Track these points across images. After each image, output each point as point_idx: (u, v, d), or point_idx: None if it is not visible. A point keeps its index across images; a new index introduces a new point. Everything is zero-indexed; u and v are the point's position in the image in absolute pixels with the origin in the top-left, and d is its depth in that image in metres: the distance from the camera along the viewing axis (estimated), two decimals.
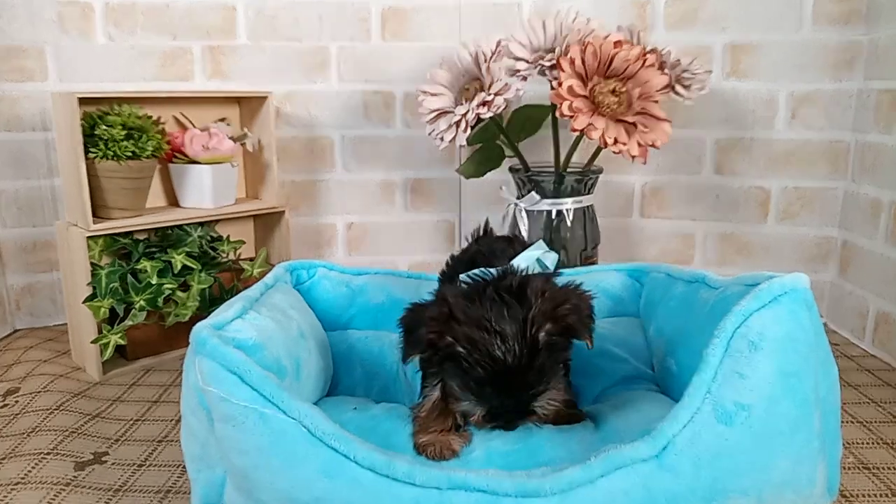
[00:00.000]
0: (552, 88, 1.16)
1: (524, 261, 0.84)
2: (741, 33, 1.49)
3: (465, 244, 1.03)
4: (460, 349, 0.71)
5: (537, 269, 0.85)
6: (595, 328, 0.76)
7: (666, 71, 1.24)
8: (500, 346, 0.69)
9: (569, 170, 1.36)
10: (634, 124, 1.16)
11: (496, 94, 1.18)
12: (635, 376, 0.96)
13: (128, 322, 1.27)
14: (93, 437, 1.05)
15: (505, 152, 1.44)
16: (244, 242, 1.50)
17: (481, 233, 1.03)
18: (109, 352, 1.26)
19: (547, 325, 0.71)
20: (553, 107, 1.17)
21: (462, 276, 0.80)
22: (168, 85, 1.56)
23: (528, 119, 1.44)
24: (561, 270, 0.91)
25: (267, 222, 1.54)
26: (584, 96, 1.15)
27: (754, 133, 1.53)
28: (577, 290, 0.78)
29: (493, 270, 0.80)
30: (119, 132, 1.23)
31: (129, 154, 1.24)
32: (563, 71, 1.14)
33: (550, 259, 0.89)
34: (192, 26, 1.54)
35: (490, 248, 0.93)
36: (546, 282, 0.77)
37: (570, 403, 0.84)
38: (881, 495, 0.89)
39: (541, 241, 0.90)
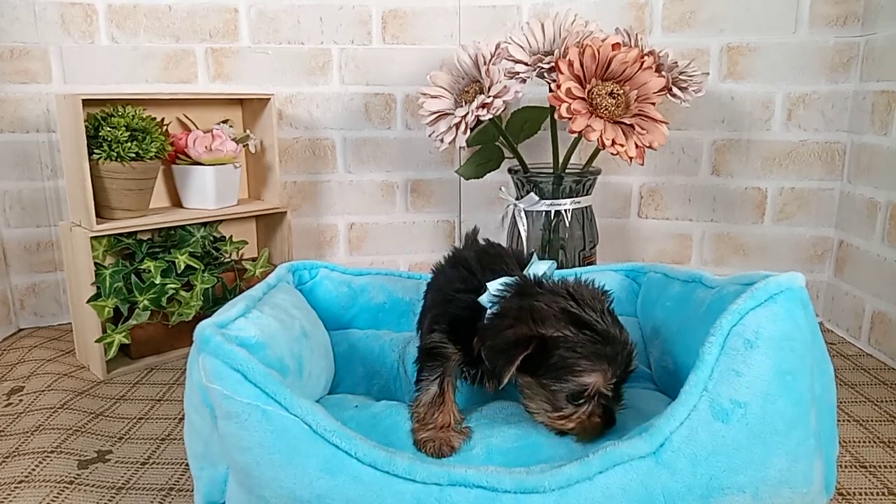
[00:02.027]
0: (551, 90, 1.17)
1: (539, 269, 0.86)
2: (738, 35, 1.50)
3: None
4: (566, 331, 0.74)
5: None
6: None
7: (663, 73, 1.25)
8: (601, 320, 0.75)
9: (567, 171, 1.37)
10: (632, 126, 1.17)
11: (495, 97, 1.19)
12: (633, 374, 0.97)
13: (132, 321, 1.28)
14: (96, 435, 1.06)
15: (504, 154, 1.45)
16: (247, 243, 1.50)
17: (470, 241, 1.03)
18: (113, 351, 1.27)
19: (603, 297, 0.79)
20: (552, 108, 1.17)
21: (492, 287, 0.81)
22: (171, 87, 1.57)
23: (527, 121, 1.45)
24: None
25: (269, 223, 1.55)
26: (583, 98, 1.16)
27: (751, 134, 1.54)
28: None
29: (520, 279, 0.82)
30: (123, 134, 1.24)
31: (133, 155, 1.25)
32: (561, 73, 1.15)
33: (552, 269, 0.90)
34: (194, 28, 1.55)
35: (484, 256, 0.92)
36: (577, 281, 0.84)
37: None
38: (878, 493, 0.90)
39: (535, 254, 0.92)
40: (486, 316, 0.80)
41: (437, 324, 0.85)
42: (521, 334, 0.74)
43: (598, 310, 0.76)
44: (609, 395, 0.75)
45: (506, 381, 0.73)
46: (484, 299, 0.81)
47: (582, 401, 0.75)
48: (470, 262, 0.89)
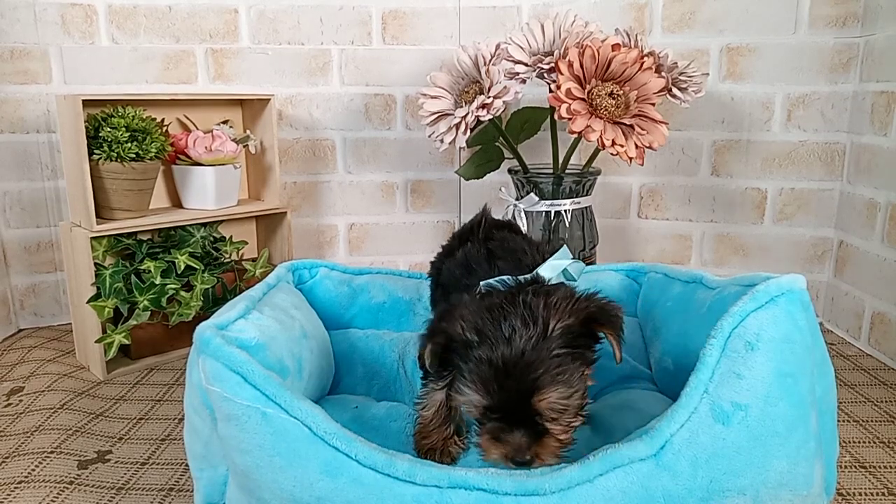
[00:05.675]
0: (550, 91, 1.17)
1: (551, 270, 0.80)
2: (738, 36, 1.50)
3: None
4: (468, 335, 0.67)
5: (562, 280, 0.80)
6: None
7: (663, 74, 1.25)
8: (507, 331, 0.66)
9: (567, 171, 1.37)
10: (632, 126, 1.17)
11: (495, 97, 1.19)
12: (633, 375, 0.97)
13: (132, 322, 1.28)
14: (96, 435, 1.06)
15: (504, 154, 1.45)
16: (247, 243, 1.50)
17: (483, 223, 0.96)
18: (113, 351, 1.27)
19: (565, 316, 0.68)
20: (551, 109, 1.17)
21: (483, 284, 0.76)
22: (171, 87, 1.57)
23: (527, 121, 1.45)
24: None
25: (269, 223, 1.55)
26: (583, 99, 1.16)
27: (751, 135, 1.54)
28: (607, 299, 0.74)
29: (520, 278, 0.77)
30: (123, 134, 1.24)
31: (133, 156, 1.25)
32: (561, 73, 1.15)
33: (576, 269, 0.82)
34: (194, 29, 1.55)
35: (508, 246, 0.87)
36: (573, 290, 0.74)
37: None
38: (878, 494, 0.90)
39: (565, 247, 0.84)
40: None
41: None
42: (432, 328, 0.70)
43: (525, 323, 0.66)
44: (496, 425, 0.67)
45: (427, 367, 0.71)
46: None
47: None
48: (471, 261, 0.85)
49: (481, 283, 0.77)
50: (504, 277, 0.77)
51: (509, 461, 0.66)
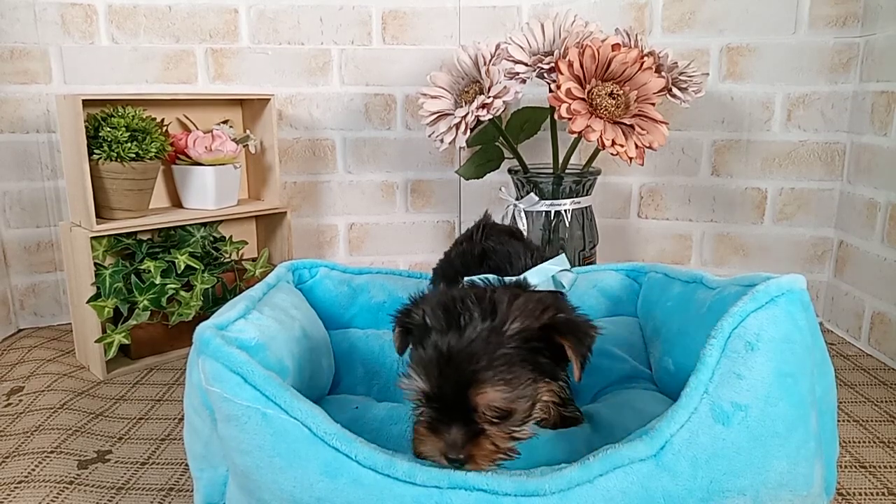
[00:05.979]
0: (550, 91, 1.17)
1: (539, 275, 0.79)
2: (738, 36, 1.50)
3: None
4: (427, 320, 0.68)
5: (551, 287, 0.80)
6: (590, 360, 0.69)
7: (663, 74, 1.25)
8: (462, 320, 0.66)
9: (567, 171, 1.37)
10: (632, 126, 1.17)
11: (495, 97, 1.19)
12: (633, 375, 0.97)
13: (131, 321, 1.28)
14: (96, 435, 1.06)
15: (504, 154, 1.45)
16: (246, 243, 1.50)
17: (483, 227, 0.97)
18: (113, 351, 1.27)
19: (526, 317, 0.67)
20: (551, 109, 1.17)
21: (467, 280, 0.77)
22: (171, 87, 1.57)
23: (527, 121, 1.45)
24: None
25: (269, 223, 1.55)
26: (583, 99, 1.16)
27: (751, 135, 1.54)
28: (585, 317, 0.72)
29: (505, 280, 0.77)
30: (123, 134, 1.24)
31: (133, 156, 1.25)
32: (561, 73, 1.15)
33: (568, 279, 0.81)
34: (194, 29, 1.55)
35: (502, 247, 0.87)
36: (554, 297, 0.73)
37: (567, 401, 0.83)
38: (878, 494, 0.90)
39: (563, 255, 0.84)
40: None
41: None
42: (400, 309, 0.73)
43: (483, 317, 0.66)
44: (434, 413, 0.66)
45: (397, 348, 0.74)
46: None
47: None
48: (464, 261, 0.87)
49: (465, 278, 0.78)
50: (489, 276, 0.77)
51: (443, 458, 0.65)
